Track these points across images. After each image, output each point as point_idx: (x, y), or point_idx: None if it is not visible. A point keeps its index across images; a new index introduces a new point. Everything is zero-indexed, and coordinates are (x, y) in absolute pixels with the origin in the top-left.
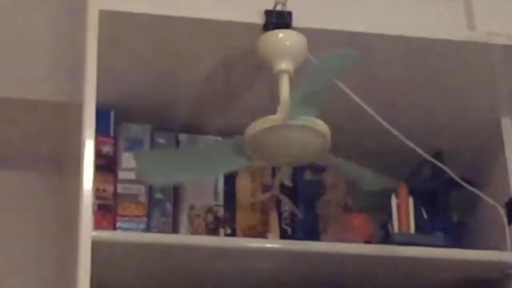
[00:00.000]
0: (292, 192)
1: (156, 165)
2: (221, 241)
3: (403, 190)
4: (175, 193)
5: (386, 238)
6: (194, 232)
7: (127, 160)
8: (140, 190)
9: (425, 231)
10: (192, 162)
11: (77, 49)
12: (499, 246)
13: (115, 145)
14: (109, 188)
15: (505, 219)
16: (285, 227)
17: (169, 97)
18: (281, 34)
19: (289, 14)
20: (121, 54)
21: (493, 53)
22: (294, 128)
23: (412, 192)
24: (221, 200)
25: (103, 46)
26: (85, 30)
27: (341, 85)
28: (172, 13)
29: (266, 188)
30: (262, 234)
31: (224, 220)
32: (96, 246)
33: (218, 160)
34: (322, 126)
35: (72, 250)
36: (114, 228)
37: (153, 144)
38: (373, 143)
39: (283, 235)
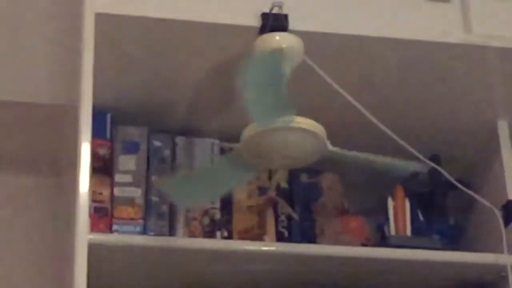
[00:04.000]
0: (288, 195)
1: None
2: (218, 243)
3: (400, 193)
4: None
5: (383, 240)
6: (191, 235)
7: (123, 162)
8: (136, 193)
9: (422, 233)
10: (198, 184)
11: (73, 52)
12: (495, 248)
13: (111, 147)
14: (106, 191)
15: (502, 222)
16: (282, 229)
17: (166, 99)
18: (277, 36)
19: (286, 16)
20: (118, 56)
21: (490, 55)
22: (291, 130)
23: (408, 194)
24: (217, 203)
25: (99, 49)
26: (81, 33)
27: (338, 88)
28: (168, 16)
29: (262, 191)
30: (259, 237)
31: (220, 222)
32: (92, 249)
33: (222, 178)
34: (318, 128)
35: (68, 252)
36: (111, 231)
37: (149, 146)
38: (370, 146)
39: (280, 238)
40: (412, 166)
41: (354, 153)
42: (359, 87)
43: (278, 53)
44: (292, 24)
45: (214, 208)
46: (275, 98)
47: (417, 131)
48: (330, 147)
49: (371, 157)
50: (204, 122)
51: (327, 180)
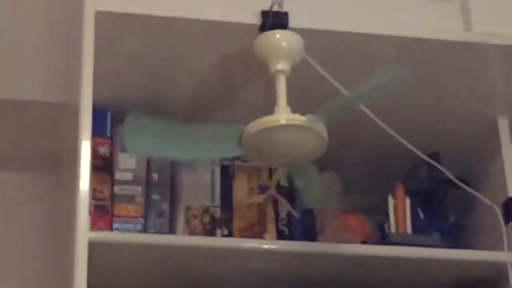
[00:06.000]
0: (288, 193)
1: (151, 137)
2: (218, 241)
3: (400, 191)
4: (172, 194)
5: (383, 238)
6: (191, 233)
7: (124, 160)
8: (136, 191)
9: (422, 231)
10: (191, 140)
11: (73, 49)
12: (495, 246)
13: (111, 145)
14: (106, 189)
15: (502, 220)
16: (282, 227)
17: (166, 97)
18: (277, 34)
19: (286, 14)
20: (118, 54)
21: (490, 53)
22: (291, 128)
23: (409, 192)
24: (217, 201)
25: (99, 47)
26: (81, 30)
27: (338, 86)
28: (168, 13)
29: (263, 189)
30: (259, 235)
31: (221, 220)
32: (92, 247)
33: (217, 144)
34: (318, 126)
35: (68, 251)
36: (111, 229)
37: None
38: (370, 144)
39: (280, 236)
40: (397, 76)
41: (331, 107)
42: (359, 85)
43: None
44: (292, 21)
45: (215, 206)
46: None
47: (417, 128)
48: (308, 117)
49: (349, 97)
50: (204, 120)
51: (327, 178)
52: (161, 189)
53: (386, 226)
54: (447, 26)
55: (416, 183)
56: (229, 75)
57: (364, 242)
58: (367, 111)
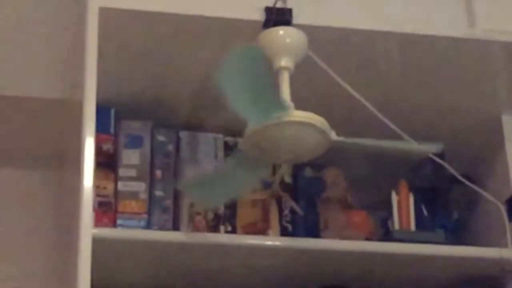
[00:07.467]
0: (292, 189)
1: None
2: (222, 238)
3: (404, 187)
4: (176, 190)
5: (387, 235)
6: (195, 229)
7: (127, 157)
8: (140, 187)
9: (426, 228)
10: (228, 180)
11: (77, 46)
12: (499, 243)
13: (115, 142)
14: (110, 186)
15: (506, 216)
16: (286, 224)
17: (170, 94)
18: (281, 31)
19: (290, 11)
20: (121, 51)
21: (493, 50)
22: (294, 125)
23: (412, 189)
24: None
25: (103, 43)
26: (85, 27)
27: (342, 82)
28: (172, 10)
29: (266, 185)
30: (263, 231)
31: (224, 217)
32: (96, 243)
33: (237, 180)
34: (322, 122)
35: (72, 247)
36: (115, 225)
37: (153, 141)
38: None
39: (284, 232)
40: (429, 149)
41: (360, 141)
42: (363, 81)
43: (253, 49)
44: (296, 18)
45: None
46: (262, 95)
47: (421, 125)
48: (334, 137)
49: (379, 143)
50: (208, 116)
51: (331, 175)
52: (165, 186)
53: (389, 223)
54: (451, 22)
55: (420, 180)
56: None
57: (367, 239)
58: (371, 108)
